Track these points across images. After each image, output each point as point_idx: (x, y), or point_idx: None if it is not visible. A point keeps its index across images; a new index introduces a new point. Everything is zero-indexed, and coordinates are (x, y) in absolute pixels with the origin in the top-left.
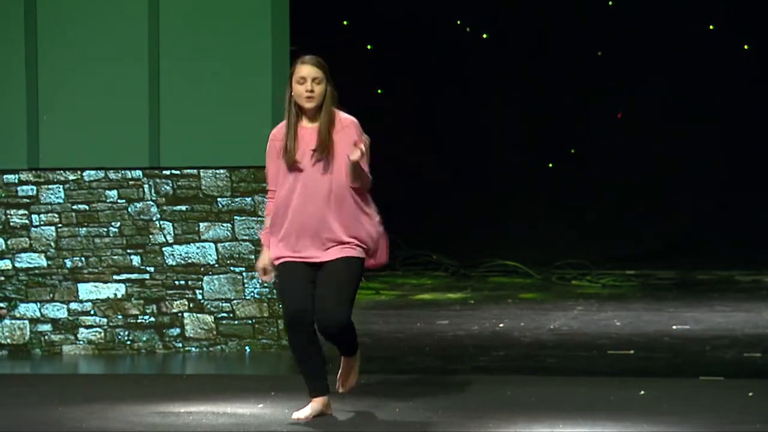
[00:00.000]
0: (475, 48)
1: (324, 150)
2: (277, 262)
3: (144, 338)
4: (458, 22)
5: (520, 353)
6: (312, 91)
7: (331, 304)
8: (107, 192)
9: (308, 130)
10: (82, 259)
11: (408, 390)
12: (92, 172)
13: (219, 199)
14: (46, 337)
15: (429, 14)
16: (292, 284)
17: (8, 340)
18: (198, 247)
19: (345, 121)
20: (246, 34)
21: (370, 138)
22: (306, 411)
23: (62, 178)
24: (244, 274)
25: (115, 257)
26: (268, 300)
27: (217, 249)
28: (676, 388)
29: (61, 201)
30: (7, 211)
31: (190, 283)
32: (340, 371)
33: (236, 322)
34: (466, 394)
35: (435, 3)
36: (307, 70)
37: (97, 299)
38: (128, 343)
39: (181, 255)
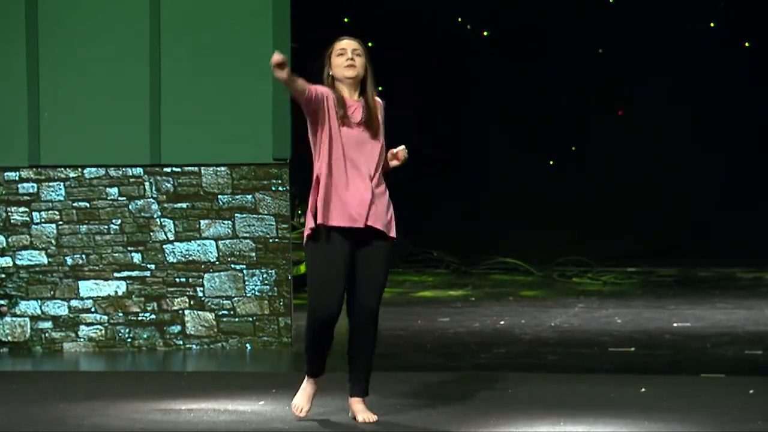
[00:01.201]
0: (476, 46)
1: (372, 124)
2: (311, 226)
3: (145, 335)
4: (459, 20)
5: (521, 350)
6: (353, 59)
7: (375, 296)
8: (108, 189)
9: (350, 102)
10: (83, 256)
11: (409, 387)
12: (93, 170)
13: (220, 197)
14: (47, 335)
15: (430, 12)
16: (329, 281)
17: (9, 338)
18: (199, 245)
19: (379, 102)
20: (247, 32)
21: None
22: (303, 401)
23: (63, 176)
24: (244, 271)
25: (116, 254)
26: (268, 297)
27: (217, 246)
28: (677, 385)
29: (62, 198)
30: (8, 209)
31: (190, 280)
32: (358, 415)
33: (237, 319)
34: (467, 391)
35: (436, 1)
36: (346, 42)
37: (97, 296)
38: (129, 340)
39: (181, 252)
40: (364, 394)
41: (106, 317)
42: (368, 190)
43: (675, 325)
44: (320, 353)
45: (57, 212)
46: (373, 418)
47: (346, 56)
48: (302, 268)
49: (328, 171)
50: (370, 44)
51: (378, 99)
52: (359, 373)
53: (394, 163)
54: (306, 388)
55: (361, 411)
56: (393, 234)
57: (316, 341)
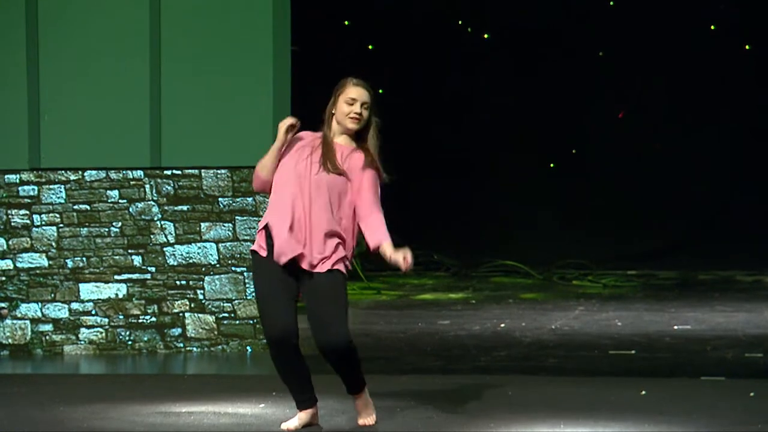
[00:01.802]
0: (477, 48)
1: (344, 172)
2: (254, 250)
3: (145, 338)
4: (459, 23)
5: (521, 353)
6: (360, 113)
7: (334, 328)
8: (108, 192)
9: (339, 146)
10: (84, 259)
11: (409, 390)
12: (93, 172)
13: (220, 199)
14: (48, 337)
15: (430, 15)
16: (269, 300)
17: (9, 340)
18: (199, 247)
19: (365, 156)
20: (247, 34)
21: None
22: (294, 422)
23: (63, 178)
24: (245, 274)
25: (117, 257)
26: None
27: (218, 249)
28: (678, 388)
29: (63, 201)
30: (9, 211)
31: (191, 283)
32: (358, 414)
33: (237, 322)
34: (467, 394)
35: (436, 3)
36: (358, 92)
37: (98, 299)
38: (129, 343)
39: (182, 255)
40: (359, 390)
41: (106, 320)
42: (327, 227)
43: (675, 328)
44: (294, 380)
45: (57, 215)
46: (370, 421)
47: (355, 109)
48: None
49: (275, 205)
50: (370, 47)
51: (371, 150)
52: (347, 382)
53: (394, 261)
54: (300, 415)
55: (360, 411)
56: (333, 267)
57: (280, 365)
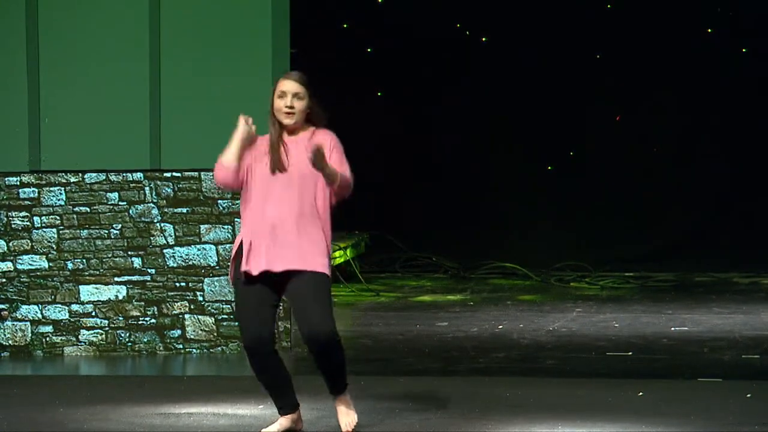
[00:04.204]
0: (475, 51)
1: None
2: (233, 275)
3: (145, 340)
4: (458, 26)
5: (519, 355)
6: (292, 107)
7: (317, 318)
8: (108, 194)
9: (290, 142)
10: (84, 260)
11: (407, 391)
12: (93, 174)
13: (220, 201)
14: (48, 339)
15: (428, 17)
16: (246, 306)
17: (10, 342)
18: (199, 249)
19: (319, 134)
20: (247, 37)
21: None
22: (274, 427)
23: (63, 181)
24: None
25: (116, 259)
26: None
27: (217, 251)
28: (675, 389)
29: (63, 203)
30: (9, 213)
31: (190, 284)
32: (338, 416)
33: (237, 323)
34: (465, 396)
35: (435, 6)
36: (288, 85)
37: (98, 301)
38: (129, 344)
39: (181, 257)
40: (341, 391)
41: (106, 321)
42: (296, 229)
43: (672, 329)
44: (273, 385)
45: (58, 217)
46: (352, 424)
47: (286, 102)
48: None
49: (247, 213)
50: (369, 50)
51: (330, 138)
52: (332, 380)
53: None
54: (281, 421)
55: (341, 414)
56: (313, 268)
57: (256, 371)
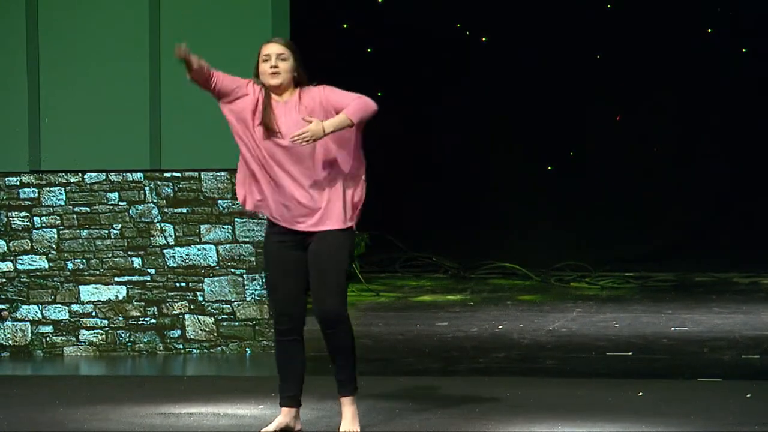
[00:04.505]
0: (475, 51)
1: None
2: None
3: (145, 340)
4: (458, 26)
5: (519, 355)
6: (276, 66)
7: (327, 296)
8: (108, 194)
9: (279, 105)
10: (84, 261)
11: (407, 391)
12: (93, 175)
13: (220, 201)
14: (48, 339)
15: (428, 17)
16: (277, 280)
17: (10, 342)
18: (199, 249)
19: (307, 91)
20: (246, 37)
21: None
22: (272, 426)
23: (63, 181)
24: (244, 276)
25: (116, 259)
26: (268, 302)
27: (217, 251)
28: (675, 389)
29: (63, 203)
30: (9, 214)
31: (190, 284)
32: (342, 423)
33: (237, 323)
34: (465, 396)
35: (435, 6)
36: (271, 47)
37: (98, 301)
38: (129, 344)
39: (181, 257)
40: (350, 393)
41: (106, 321)
42: (303, 197)
43: (672, 329)
44: (288, 371)
45: (58, 217)
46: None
47: (270, 62)
48: None
49: (257, 172)
50: (369, 50)
51: (319, 89)
52: (341, 375)
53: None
54: (279, 418)
55: (346, 419)
56: (342, 224)
57: (280, 352)
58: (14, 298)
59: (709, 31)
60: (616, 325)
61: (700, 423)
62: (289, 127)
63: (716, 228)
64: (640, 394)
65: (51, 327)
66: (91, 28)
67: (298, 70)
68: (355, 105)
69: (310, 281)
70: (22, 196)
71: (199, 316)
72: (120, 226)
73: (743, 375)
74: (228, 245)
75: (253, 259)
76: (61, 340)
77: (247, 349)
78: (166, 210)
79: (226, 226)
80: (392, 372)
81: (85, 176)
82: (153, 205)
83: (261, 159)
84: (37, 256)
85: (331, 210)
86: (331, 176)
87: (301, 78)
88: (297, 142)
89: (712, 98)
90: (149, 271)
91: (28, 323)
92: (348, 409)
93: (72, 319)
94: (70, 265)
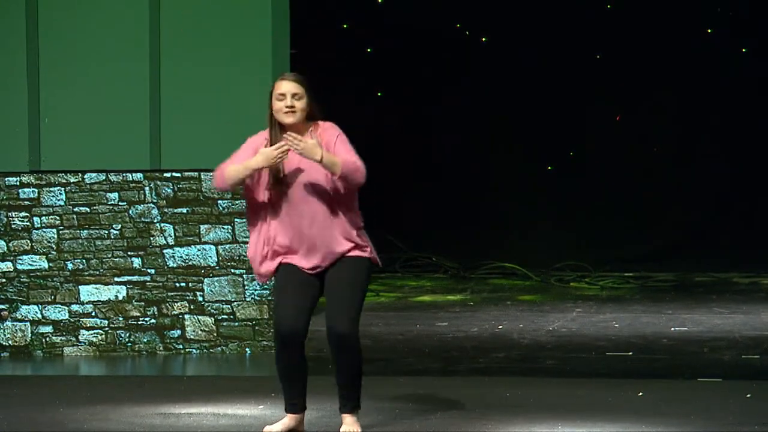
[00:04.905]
0: (475, 51)
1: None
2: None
3: (145, 340)
4: (458, 26)
5: (519, 355)
6: (292, 106)
7: (341, 319)
8: (108, 194)
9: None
10: (83, 261)
11: (407, 391)
12: (93, 175)
13: (219, 202)
14: (48, 339)
15: (428, 17)
16: (286, 294)
17: (9, 342)
18: (199, 249)
19: (322, 127)
20: (246, 36)
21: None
22: (278, 426)
23: (63, 181)
24: (244, 276)
25: (116, 259)
26: (268, 302)
27: (217, 251)
28: (675, 389)
29: (63, 203)
30: (9, 214)
31: (190, 285)
32: (342, 426)
33: (236, 323)
34: (465, 396)
35: (435, 7)
36: (286, 86)
37: (98, 301)
38: (129, 344)
39: (181, 257)
40: (352, 410)
41: (106, 322)
42: (325, 227)
43: (672, 329)
44: (291, 380)
45: (57, 217)
46: None
47: (286, 102)
48: None
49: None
50: (369, 50)
51: (329, 127)
52: (344, 390)
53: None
54: (285, 420)
55: (346, 423)
56: (361, 253)
57: (281, 361)
58: (14, 298)
59: (709, 31)
60: (616, 325)
61: (700, 423)
62: (303, 167)
63: (716, 228)
64: (640, 394)
65: (51, 327)
66: (91, 28)
67: (311, 105)
68: (351, 164)
69: (326, 301)
70: (22, 196)
71: (199, 317)
72: (120, 226)
73: (743, 375)
74: (228, 245)
75: None
76: (60, 340)
77: (247, 349)
78: (166, 210)
79: (226, 226)
80: (392, 372)
81: (85, 176)
82: (153, 206)
83: (278, 204)
84: (37, 256)
85: (342, 244)
86: (340, 216)
87: (315, 112)
88: (288, 141)
89: (712, 98)
90: (149, 271)
91: (28, 323)
92: (349, 419)
93: (72, 319)
94: (69, 265)
